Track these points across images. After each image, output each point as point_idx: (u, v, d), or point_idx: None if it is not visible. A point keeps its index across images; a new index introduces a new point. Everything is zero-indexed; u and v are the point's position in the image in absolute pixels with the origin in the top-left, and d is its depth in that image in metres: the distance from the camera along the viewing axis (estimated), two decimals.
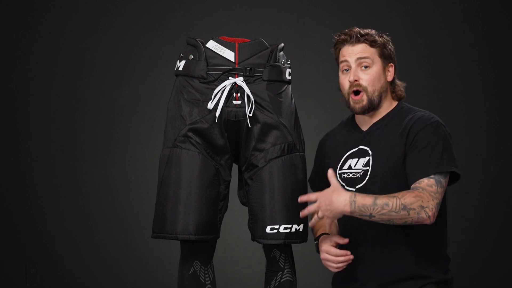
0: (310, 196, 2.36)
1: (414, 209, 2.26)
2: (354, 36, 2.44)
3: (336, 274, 2.50)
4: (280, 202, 2.46)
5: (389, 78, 2.48)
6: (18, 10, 4.20)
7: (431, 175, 2.30)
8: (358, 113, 2.46)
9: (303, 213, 2.38)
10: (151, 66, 4.24)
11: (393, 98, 2.50)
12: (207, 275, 2.52)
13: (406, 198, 2.26)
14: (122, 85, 4.24)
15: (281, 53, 2.53)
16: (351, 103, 2.45)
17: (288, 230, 2.46)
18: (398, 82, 2.51)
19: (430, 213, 2.27)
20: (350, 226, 2.43)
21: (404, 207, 2.25)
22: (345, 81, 2.46)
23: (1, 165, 4.18)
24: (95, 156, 4.22)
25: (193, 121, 2.45)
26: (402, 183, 2.35)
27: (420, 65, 4.23)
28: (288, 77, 2.54)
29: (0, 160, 4.19)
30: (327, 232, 2.46)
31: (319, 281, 4.17)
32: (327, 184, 2.50)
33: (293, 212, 2.47)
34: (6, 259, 4.16)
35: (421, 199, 2.26)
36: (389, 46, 2.48)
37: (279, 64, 2.51)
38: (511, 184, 4.19)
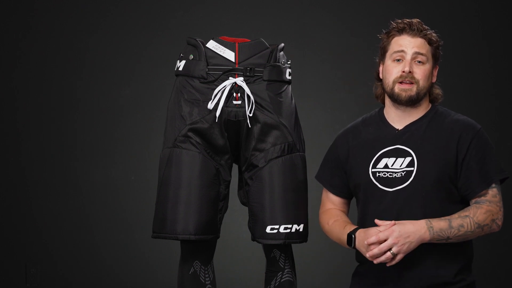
0: (379, 236, 2.25)
1: (487, 224, 2.30)
2: (416, 28, 2.40)
3: (359, 277, 2.47)
4: (280, 202, 2.46)
5: (434, 79, 2.46)
6: (18, 10, 4.20)
7: (492, 184, 2.33)
8: (402, 102, 2.39)
9: (376, 259, 2.27)
10: (151, 66, 4.23)
11: (429, 101, 2.49)
12: (207, 275, 2.52)
13: (478, 216, 2.29)
14: (122, 85, 4.24)
15: (281, 53, 2.53)
16: (397, 90, 2.38)
17: (288, 230, 2.46)
18: (436, 85, 2.49)
19: (499, 223, 2.33)
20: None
21: (478, 225, 2.29)
22: (395, 69, 2.40)
23: (1, 165, 4.18)
24: (95, 156, 4.21)
25: (193, 121, 2.45)
26: (444, 187, 2.35)
27: None
28: (288, 77, 2.54)
29: (0, 160, 4.19)
30: (357, 227, 2.40)
31: (319, 281, 4.17)
32: (344, 182, 2.50)
33: (293, 212, 2.47)
34: (6, 259, 4.16)
35: (491, 213, 2.30)
36: (440, 49, 2.47)
37: (279, 64, 2.50)
38: (511, 184, 4.19)
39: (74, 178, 4.21)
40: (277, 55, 2.50)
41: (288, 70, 2.54)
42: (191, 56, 2.49)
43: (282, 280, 2.55)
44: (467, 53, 4.26)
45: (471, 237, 2.31)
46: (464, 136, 2.36)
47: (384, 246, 2.25)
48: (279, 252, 2.54)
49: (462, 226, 2.27)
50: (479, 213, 2.29)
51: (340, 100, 4.23)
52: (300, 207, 2.50)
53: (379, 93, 2.51)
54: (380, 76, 2.48)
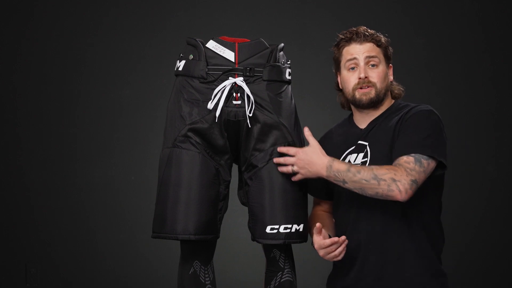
0: (290, 149, 2.41)
1: (384, 180, 2.26)
2: (362, 34, 2.46)
3: (333, 275, 2.53)
4: (280, 202, 2.46)
5: (391, 78, 2.52)
6: (18, 10, 4.20)
7: (411, 153, 2.29)
8: (364, 105, 2.46)
9: (281, 149, 2.43)
10: (151, 66, 4.24)
11: (391, 98, 2.55)
12: (207, 275, 2.52)
13: (379, 169, 2.28)
14: (122, 85, 4.24)
15: (281, 53, 2.53)
16: (358, 95, 2.45)
17: (288, 230, 2.46)
18: (394, 82, 2.55)
19: (401, 188, 2.25)
20: (346, 224, 2.45)
21: (375, 177, 2.27)
22: (352, 78, 2.47)
23: (1, 165, 4.19)
24: (95, 156, 4.22)
25: (193, 121, 2.45)
26: None
27: (420, 65, 4.23)
28: (288, 77, 2.54)
29: (0, 160, 4.19)
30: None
31: (319, 281, 4.17)
32: (323, 185, 2.51)
33: (293, 212, 2.47)
34: (6, 259, 4.16)
35: (394, 172, 2.26)
36: (390, 47, 2.52)
37: (279, 64, 2.50)
38: (511, 184, 4.19)
39: (74, 178, 4.21)
40: (277, 55, 2.50)
41: (288, 70, 2.54)
42: (191, 56, 2.49)
43: (282, 280, 2.55)
44: (467, 53, 4.26)
45: (367, 189, 2.28)
46: (407, 115, 2.39)
47: (287, 159, 2.41)
48: (279, 252, 2.54)
49: (359, 172, 2.29)
50: (382, 167, 2.28)
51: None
52: (299, 207, 2.50)
53: (343, 101, 2.58)
54: (340, 86, 2.55)
